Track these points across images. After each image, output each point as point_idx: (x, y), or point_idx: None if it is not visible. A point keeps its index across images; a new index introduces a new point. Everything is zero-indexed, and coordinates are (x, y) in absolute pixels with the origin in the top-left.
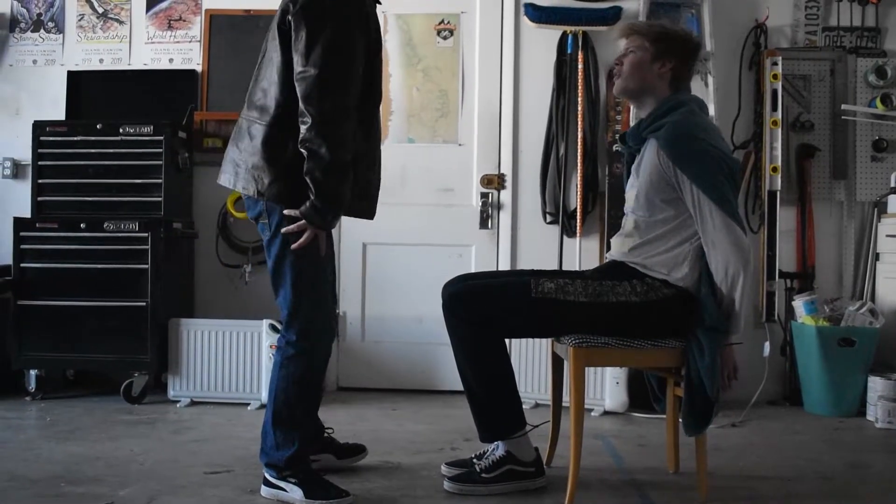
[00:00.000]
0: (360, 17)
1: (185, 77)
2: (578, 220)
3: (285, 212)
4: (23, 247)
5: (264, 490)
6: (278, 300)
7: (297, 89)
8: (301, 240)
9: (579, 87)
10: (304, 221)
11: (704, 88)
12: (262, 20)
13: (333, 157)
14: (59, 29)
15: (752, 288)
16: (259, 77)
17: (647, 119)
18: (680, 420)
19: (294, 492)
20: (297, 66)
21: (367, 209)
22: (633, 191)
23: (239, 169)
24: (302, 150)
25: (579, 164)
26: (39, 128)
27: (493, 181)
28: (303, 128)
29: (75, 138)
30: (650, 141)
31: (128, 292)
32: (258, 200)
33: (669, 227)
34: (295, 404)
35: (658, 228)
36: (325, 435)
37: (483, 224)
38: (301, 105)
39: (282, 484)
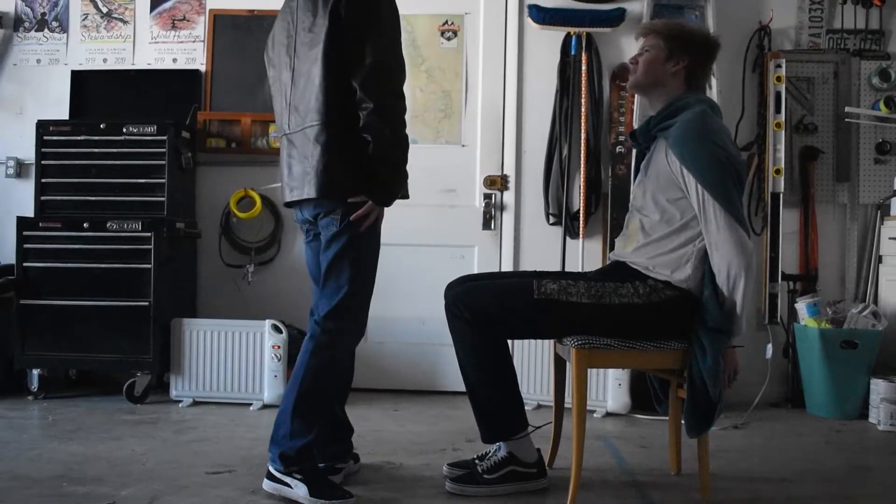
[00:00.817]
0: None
1: (188, 77)
2: (581, 222)
3: (350, 200)
4: (26, 246)
5: (267, 484)
6: (325, 291)
7: (356, 78)
8: (369, 219)
9: (583, 89)
10: (370, 203)
11: (708, 90)
12: (266, 20)
13: (397, 135)
14: (63, 28)
15: (755, 290)
16: (295, 84)
17: (657, 117)
18: (682, 421)
19: (298, 488)
20: (357, 55)
21: (406, 188)
22: (640, 189)
23: (310, 177)
24: (365, 135)
25: (582, 166)
26: (43, 127)
27: (496, 182)
28: (363, 114)
29: (79, 138)
30: (659, 140)
31: (130, 292)
32: (330, 199)
33: (674, 227)
34: (320, 394)
35: (662, 229)
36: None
37: (486, 225)
38: (360, 93)
39: (287, 479)
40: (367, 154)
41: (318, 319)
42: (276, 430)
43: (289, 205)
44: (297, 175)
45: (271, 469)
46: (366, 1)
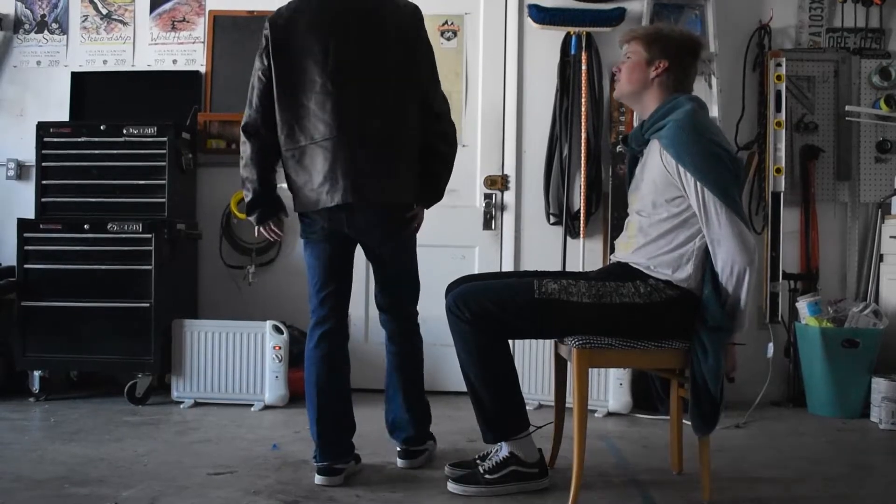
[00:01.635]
0: None
1: (188, 78)
2: (582, 221)
3: (409, 215)
4: (27, 248)
5: (409, 462)
6: (403, 288)
7: (429, 93)
8: (422, 222)
9: (583, 88)
10: (419, 209)
11: (708, 90)
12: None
13: (456, 143)
14: (63, 30)
15: (756, 288)
16: (349, 94)
17: (649, 120)
18: (685, 421)
19: (432, 447)
20: (431, 81)
21: None
22: (636, 193)
23: (395, 187)
24: (441, 145)
25: (583, 165)
26: (43, 129)
27: (497, 182)
28: (437, 125)
29: (79, 139)
30: (653, 142)
31: (131, 293)
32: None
33: (673, 225)
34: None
35: (661, 228)
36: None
37: (486, 225)
38: (433, 108)
39: (424, 446)
40: (426, 162)
41: (409, 306)
42: (412, 415)
43: (336, 208)
44: (372, 185)
45: (410, 449)
46: (423, 23)
